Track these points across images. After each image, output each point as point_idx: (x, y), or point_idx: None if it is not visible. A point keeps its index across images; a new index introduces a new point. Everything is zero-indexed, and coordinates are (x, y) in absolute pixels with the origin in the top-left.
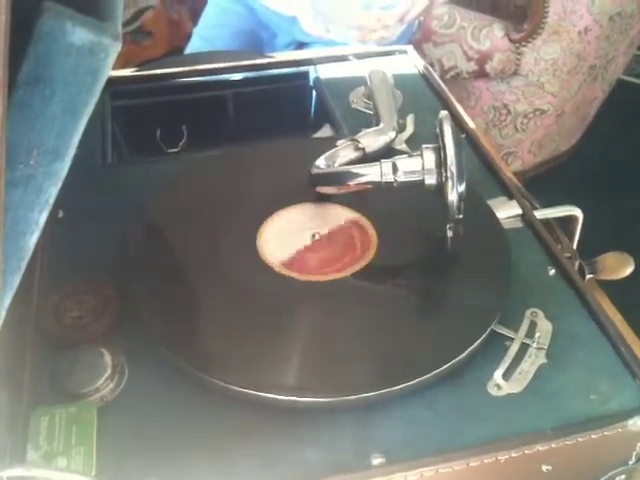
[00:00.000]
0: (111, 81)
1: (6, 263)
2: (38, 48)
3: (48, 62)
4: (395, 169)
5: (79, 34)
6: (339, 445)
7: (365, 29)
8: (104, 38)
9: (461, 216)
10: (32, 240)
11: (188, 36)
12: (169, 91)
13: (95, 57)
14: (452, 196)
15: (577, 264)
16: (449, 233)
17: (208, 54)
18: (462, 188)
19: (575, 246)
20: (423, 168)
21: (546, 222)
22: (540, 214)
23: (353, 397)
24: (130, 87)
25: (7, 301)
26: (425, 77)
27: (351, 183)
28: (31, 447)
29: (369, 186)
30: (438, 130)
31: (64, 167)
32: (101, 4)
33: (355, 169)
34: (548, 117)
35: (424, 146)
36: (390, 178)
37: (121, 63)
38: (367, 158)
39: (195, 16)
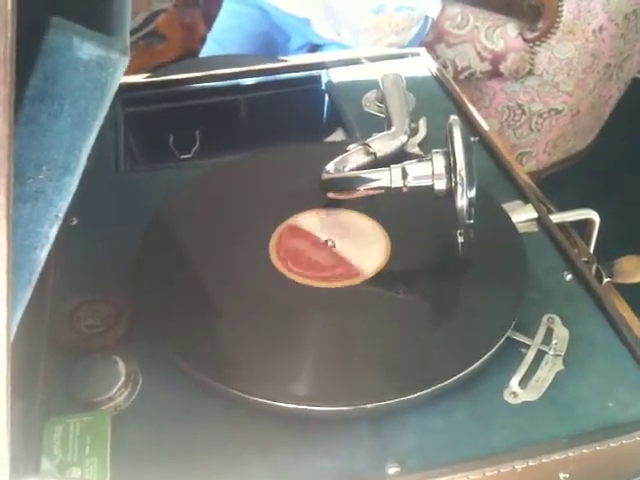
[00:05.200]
0: (123, 88)
1: (17, 278)
2: (46, 63)
3: (56, 77)
4: (405, 174)
5: (87, 49)
6: (354, 454)
7: (375, 34)
8: (112, 53)
9: (472, 221)
10: (43, 253)
11: (201, 39)
12: (181, 97)
13: (103, 72)
14: (462, 202)
15: (594, 268)
16: (459, 239)
17: (220, 58)
18: (472, 193)
19: (592, 250)
20: (433, 173)
21: (562, 226)
22: (556, 218)
23: (369, 406)
24: (142, 93)
25: (19, 316)
26: (438, 79)
27: (361, 188)
28: (45, 457)
29: (380, 191)
30: (447, 135)
31: (74, 181)
32: (109, 19)
33: (364, 174)
34: (563, 117)
35: (434, 151)
36: (399, 183)
37: (134, 67)
38: (379, 162)
39: (208, 19)
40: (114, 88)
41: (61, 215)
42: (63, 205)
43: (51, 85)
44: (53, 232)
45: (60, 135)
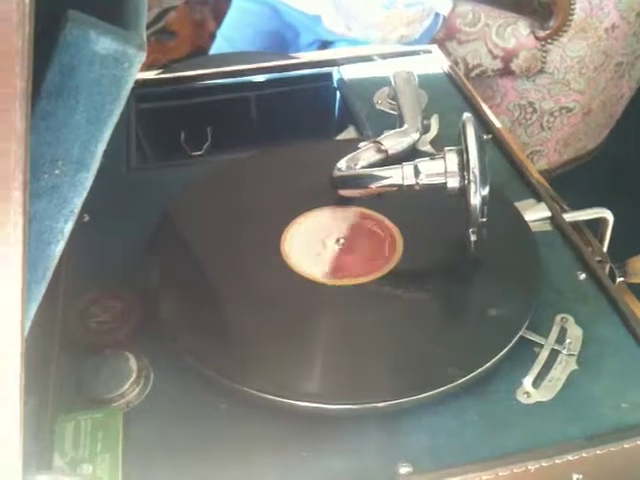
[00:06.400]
0: (135, 84)
1: (32, 273)
2: (62, 58)
3: (72, 72)
4: (417, 172)
5: (103, 43)
6: (366, 453)
7: (386, 28)
8: (129, 47)
9: (485, 220)
10: (57, 249)
11: (211, 36)
12: (192, 93)
13: (120, 67)
14: (475, 200)
15: (607, 268)
16: (472, 237)
17: (231, 55)
18: (485, 191)
19: (605, 249)
20: (446, 171)
21: (575, 225)
22: (569, 217)
23: (380, 404)
24: (154, 90)
25: (32, 311)
26: (450, 77)
27: (372, 186)
28: (57, 453)
29: (392, 189)
30: (461, 132)
31: (89, 177)
32: (125, 13)
33: (376, 172)
34: (574, 115)
35: (447, 149)
36: (412, 181)
37: (145, 64)
38: (391, 160)
39: (218, 16)
40: (130, 83)
41: (76, 211)
42: (78, 201)
43: (67, 79)
44: (68, 228)
45: (76, 130)
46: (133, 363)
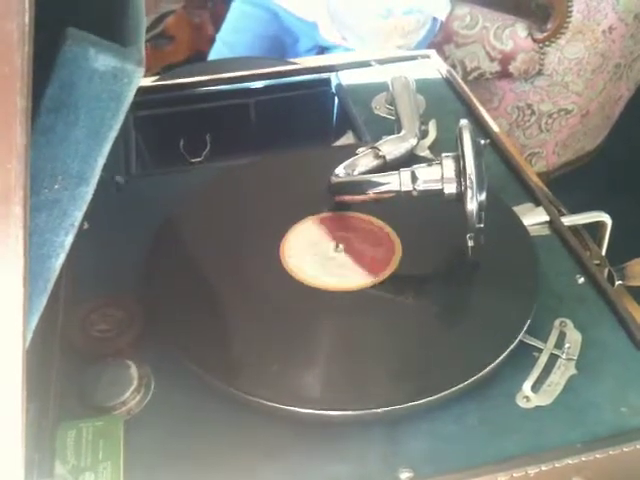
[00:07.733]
0: None
1: (32, 285)
2: (61, 74)
3: (71, 88)
4: (414, 178)
5: (102, 60)
6: (366, 459)
7: (381, 38)
8: (127, 64)
9: (482, 225)
10: (58, 262)
11: (210, 40)
12: (191, 100)
13: (118, 83)
14: (472, 205)
15: (606, 271)
16: (470, 243)
17: (229, 61)
18: (482, 197)
19: (604, 252)
20: (442, 177)
21: (574, 228)
22: (568, 220)
23: (379, 410)
24: (152, 97)
25: (34, 323)
26: (448, 81)
27: (370, 192)
28: (59, 461)
29: (390, 195)
30: (457, 139)
31: (89, 191)
32: (124, 29)
33: (374, 178)
34: (573, 117)
35: (444, 155)
36: (409, 187)
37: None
38: (389, 166)
39: (217, 20)
40: (129, 99)
41: (77, 224)
42: (78, 214)
43: (67, 95)
44: (68, 241)
45: (76, 145)
46: (134, 371)
